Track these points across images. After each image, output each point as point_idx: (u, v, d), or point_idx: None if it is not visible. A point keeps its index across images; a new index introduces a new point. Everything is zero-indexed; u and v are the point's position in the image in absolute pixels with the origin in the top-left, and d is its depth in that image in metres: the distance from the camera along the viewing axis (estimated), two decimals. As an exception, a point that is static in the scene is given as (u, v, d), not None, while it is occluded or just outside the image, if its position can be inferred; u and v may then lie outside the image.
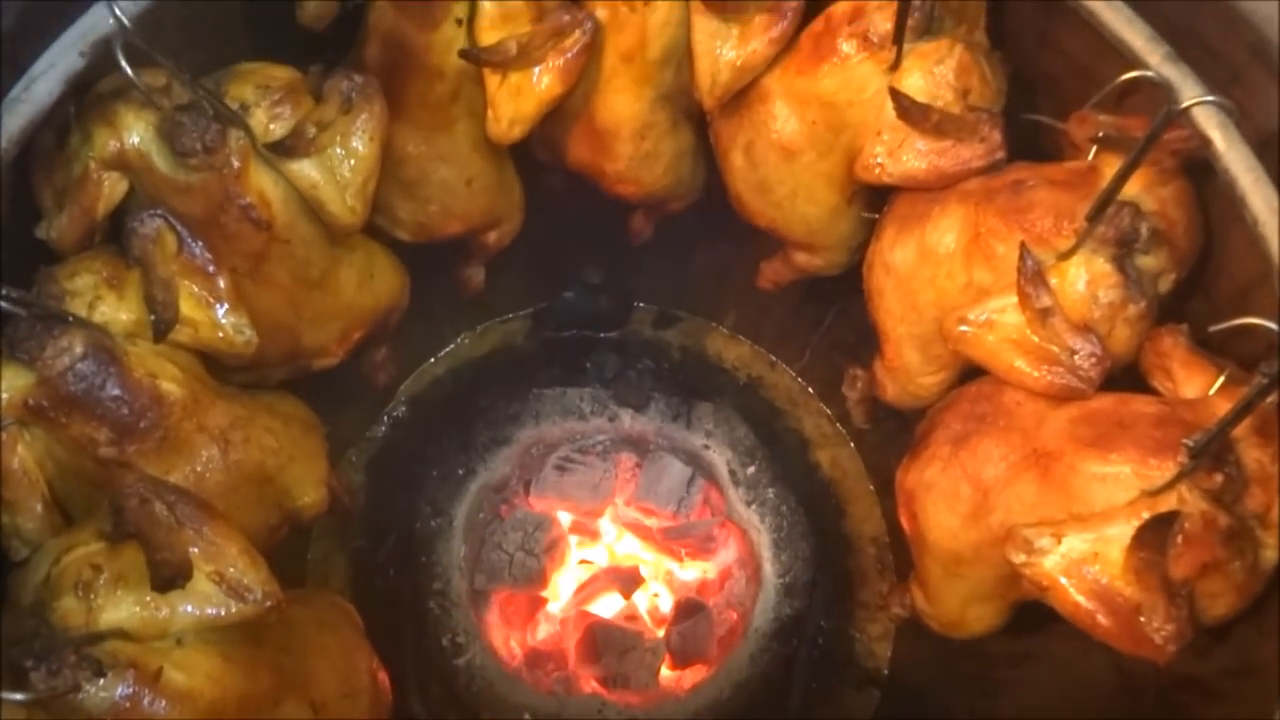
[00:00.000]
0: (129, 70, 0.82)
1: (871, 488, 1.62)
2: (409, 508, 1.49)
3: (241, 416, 0.97)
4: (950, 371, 1.12)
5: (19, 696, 0.63)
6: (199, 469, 0.91)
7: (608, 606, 1.50)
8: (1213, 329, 0.89)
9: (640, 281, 1.70)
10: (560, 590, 1.51)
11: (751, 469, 1.54)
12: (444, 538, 1.48)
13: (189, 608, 0.78)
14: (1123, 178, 0.86)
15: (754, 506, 1.51)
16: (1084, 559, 0.86)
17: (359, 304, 1.13)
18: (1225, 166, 0.84)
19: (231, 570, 0.81)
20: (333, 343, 1.13)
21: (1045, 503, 0.92)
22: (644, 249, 1.56)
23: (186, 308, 0.92)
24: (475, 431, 1.54)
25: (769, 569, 1.48)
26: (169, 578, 0.76)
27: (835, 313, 1.58)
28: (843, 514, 1.62)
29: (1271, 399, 0.85)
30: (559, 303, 1.69)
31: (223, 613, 0.80)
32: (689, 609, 1.46)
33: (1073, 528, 0.87)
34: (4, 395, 0.82)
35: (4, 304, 0.78)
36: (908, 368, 1.14)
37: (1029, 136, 1.07)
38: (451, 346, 1.69)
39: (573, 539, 1.55)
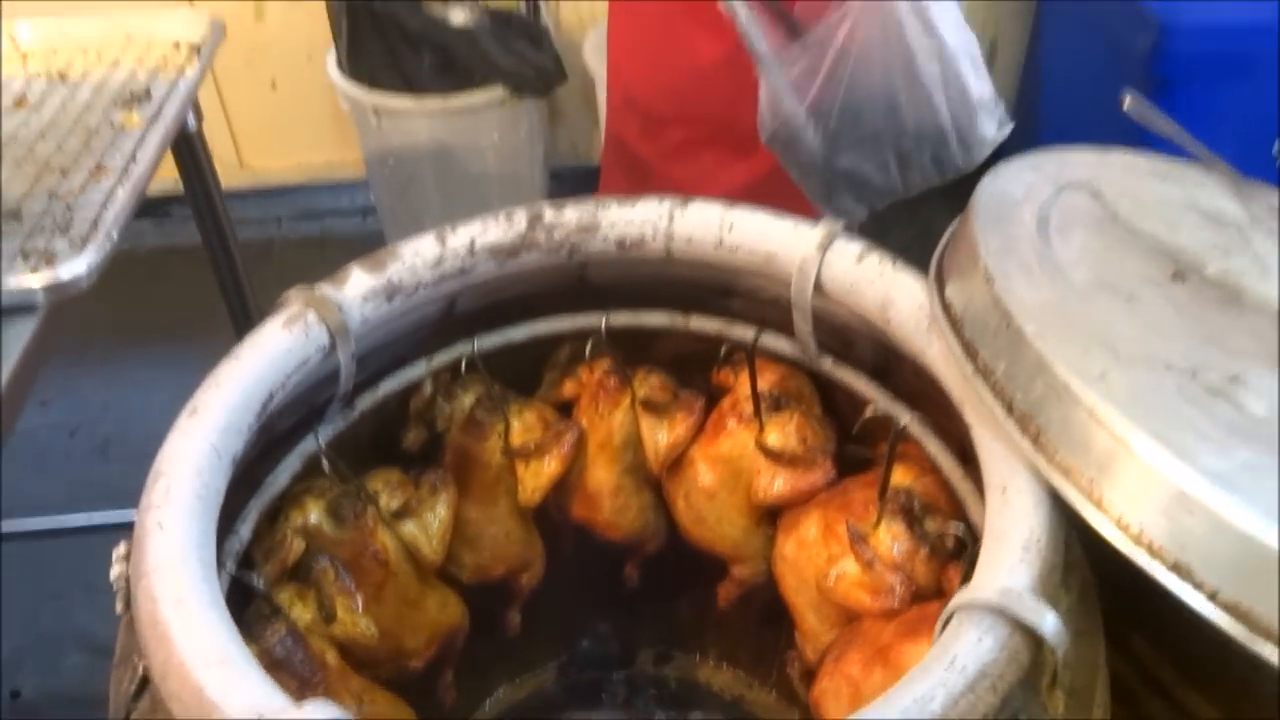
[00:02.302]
0: (328, 469, 1.47)
1: (842, 770, 1.98)
2: (471, 811, 1.89)
3: (368, 688, 1.48)
4: (841, 627, 1.63)
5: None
6: (345, 711, 1.40)
7: None
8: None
9: (641, 630, 2.19)
10: None
11: (735, 750, 1.95)
12: (500, 833, 1.87)
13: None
14: (886, 476, 1.46)
15: (741, 782, 1.90)
16: (911, 704, 1.32)
17: (439, 620, 1.65)
18: (931, 456, 1.45)
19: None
20: (421, 646, 1.62)
21: (888, 680, 1.38)
22: (642, 603, 2.06)
23: (339, 612, 1.47)
24: (520, 748, 1.99)
25: (759, 829, 1.83)
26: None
27: (786, 632, 2.08)
28: (819, 792, 1.97)
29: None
30: (578, 651, 2.17)
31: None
32: None
33: (903, 687, 1.34)
34: (238, 661, 1.36)
35: (256, 592, 1.35)
36: (813, 630, 1.63)
37: (858, 461, 1.67)
38: (498, 694, 2.14)
39: (604, 833, 1.91)
